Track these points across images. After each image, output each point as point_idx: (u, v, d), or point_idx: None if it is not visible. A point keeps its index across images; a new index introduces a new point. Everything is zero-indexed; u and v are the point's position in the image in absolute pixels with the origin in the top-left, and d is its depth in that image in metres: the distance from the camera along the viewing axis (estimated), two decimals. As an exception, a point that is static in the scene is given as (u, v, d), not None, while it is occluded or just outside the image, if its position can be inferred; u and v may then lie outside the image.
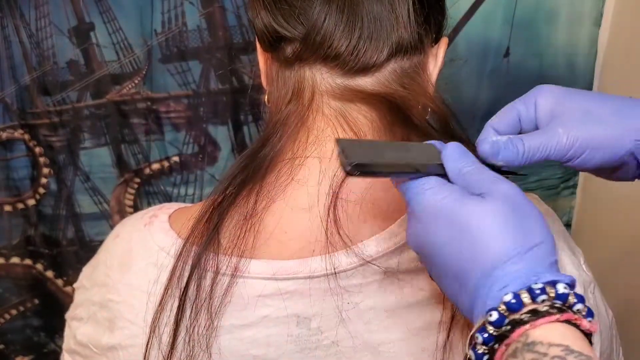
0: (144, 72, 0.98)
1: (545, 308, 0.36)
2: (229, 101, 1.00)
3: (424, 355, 0.49)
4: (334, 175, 0.50)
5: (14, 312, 1.10)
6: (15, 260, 1.07)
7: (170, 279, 0.49)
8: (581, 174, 1.09)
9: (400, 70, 0.51)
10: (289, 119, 0.51)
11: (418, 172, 0.42)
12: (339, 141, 0.42)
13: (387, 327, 0.49)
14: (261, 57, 0.56)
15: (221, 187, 0.52)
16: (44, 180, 1.03)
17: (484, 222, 0.38)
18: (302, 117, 0.51)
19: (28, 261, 1.07)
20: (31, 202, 1.04)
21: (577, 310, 0.37)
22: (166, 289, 0.49)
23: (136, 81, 0.98)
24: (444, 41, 0.56)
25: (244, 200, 0.50)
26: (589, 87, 1.02)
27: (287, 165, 0.51)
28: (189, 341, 0.48)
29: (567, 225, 1.11)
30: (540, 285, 0.36)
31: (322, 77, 0.51)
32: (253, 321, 0.49)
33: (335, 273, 0.48)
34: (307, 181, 0.50)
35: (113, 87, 0.99)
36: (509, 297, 0.36)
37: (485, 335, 0.37)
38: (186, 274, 0.49)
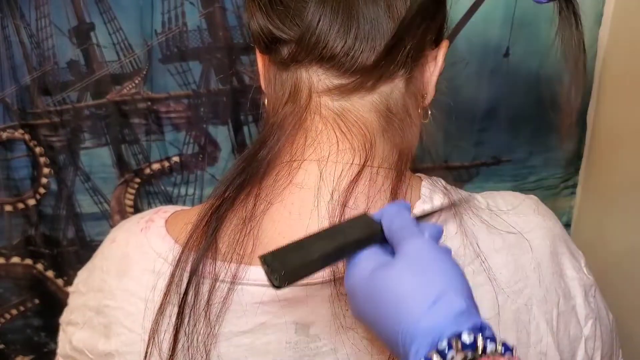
0: (144, 72, 0.98)
1: None
2: (229, 101, 1.00)
3: None
4: (334, 180, 0.49)
5: (14, 312, 1.10)
6: (15, 260, 1.07)
7: (169, 286, 0.49)
8: (581, 173, 1.09)
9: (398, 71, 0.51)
10: (285, 121, 0.51)
11: (353, 251, 0.43)
12: (261, 257, 0.41)
13: None
14: (259, 59, 0.56)
15: (219, 190, 0.52)
16: (44, 180, 1.03)
17: (392, 286, 0.39)
18: (299, 118, 0.51)
19: (28, 261, 1.07)
20: (31, 202, 1.04)
21: (491, 351, 0.37)
22: (165, 295, 0.49)
23: (136, 81, 0.98)
24: (444, 44, 0.55)
25: (242, 204, 0.50)
26: (589, 87, 1.02)
27: (285, 168, 0.51)
28: (189, 348, 0.48)
29: (567, 225, 1.11)
30: (444, 343, 0.36)
31: (318, 79, 0.50)
32: (251, 328, 0.48)
33: (332, 280, 0.48)
34: (305, 185, 0.50)
35: (113, 87, 0.98)
36: None
37: None
38: (185, 281, 0.49)
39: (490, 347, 0.37)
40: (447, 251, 0.42)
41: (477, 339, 0.37)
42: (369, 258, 0.42)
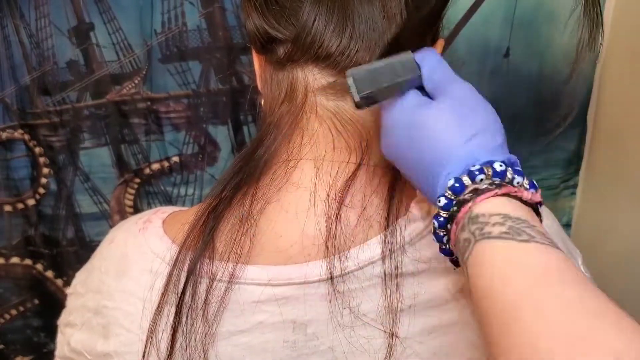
0: (143, 72, 0.98)
1: (484, 186, 0.40)
2: (228, 101, 1.00)
3: None
4: (331, 178, 0.49)
5: (14, 312, 1.10)
6: (15, 260, 1.07)
7: (166, 286, 0.49)
8: (581, 173, 1.08)
9: None
10: (282, 120, 0.51)
11: (402, 89, 0.46)
12: (349, 72, 0.46)
13: (383, 332, 0.48)
14: (256, 59, 0.56)
15: (217, 190, 0.52)
16: (44, 180, 1.03)
17: (432, 122, 0.43)
18: (295, 117, 0.51)
19: (28, 261, 1.07)
20: (31, 202, 1.04)
21: (518, 183, 0.41)
22: (163, 295, 0.49)
23: (136, 81, 0.98)
24: (440, 43, 0.55)
25: (239, 203, 0.50)
26: (589, 87, 1.02)
27: (281, 168, 0.51)
28: (187, 348, 0.48)
29: (567, 225, 1.11)
30: (477, 167, 0.40)
31: (314, 78, 0.50)
32: (249, 327, 0.49)
33: (329, 279, 0.48)
34: (302, 184, 0.50)
35: (113, 87, 0.99)
36: (451, 182, 0.41)
37: (440, 219, 0.42)
38: (182, 281, 0.49)
39: (517, 179, 0.40)
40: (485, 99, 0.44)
41: (507, 170, 0.40)
42: (412, 96, 0.46)
